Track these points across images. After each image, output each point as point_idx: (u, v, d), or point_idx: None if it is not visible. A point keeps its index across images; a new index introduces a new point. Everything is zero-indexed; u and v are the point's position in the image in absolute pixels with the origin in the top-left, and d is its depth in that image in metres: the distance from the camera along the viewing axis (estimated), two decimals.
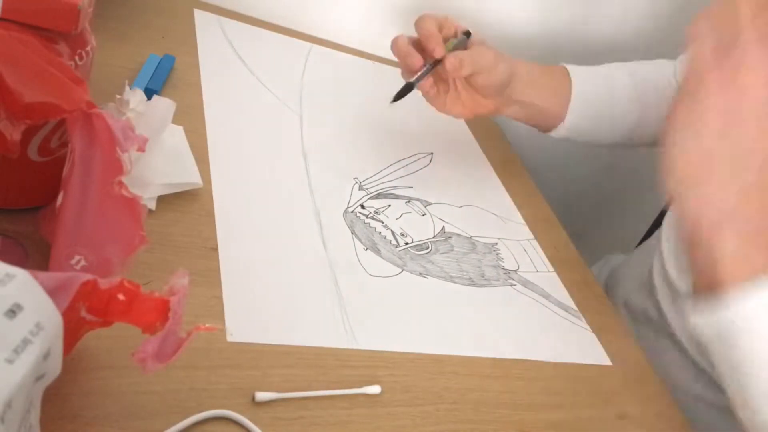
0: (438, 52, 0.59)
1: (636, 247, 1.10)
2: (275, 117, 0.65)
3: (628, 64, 0.76)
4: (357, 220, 0.59)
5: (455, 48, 0.61)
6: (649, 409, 0.56)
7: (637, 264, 0.79)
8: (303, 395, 0.41)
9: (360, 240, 0.57)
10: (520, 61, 0.67)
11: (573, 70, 0.72)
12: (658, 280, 0.71)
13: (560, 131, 0.72)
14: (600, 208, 1.29)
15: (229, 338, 0.42)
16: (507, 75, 0.63)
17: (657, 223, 1.09)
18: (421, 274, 0.57)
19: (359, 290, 0.52)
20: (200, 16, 0.74)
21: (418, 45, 0.61)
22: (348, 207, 0.60)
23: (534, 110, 0.69)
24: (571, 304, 0.63)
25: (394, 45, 0.61)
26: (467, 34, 0.63)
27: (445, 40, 0.61)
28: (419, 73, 0.60)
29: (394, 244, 0.58)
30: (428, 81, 0.61)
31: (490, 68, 0.62)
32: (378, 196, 0.63)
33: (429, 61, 0.60)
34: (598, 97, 0.73)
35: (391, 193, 0.64)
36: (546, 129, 0.73)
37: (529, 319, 0.58)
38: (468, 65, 0.59)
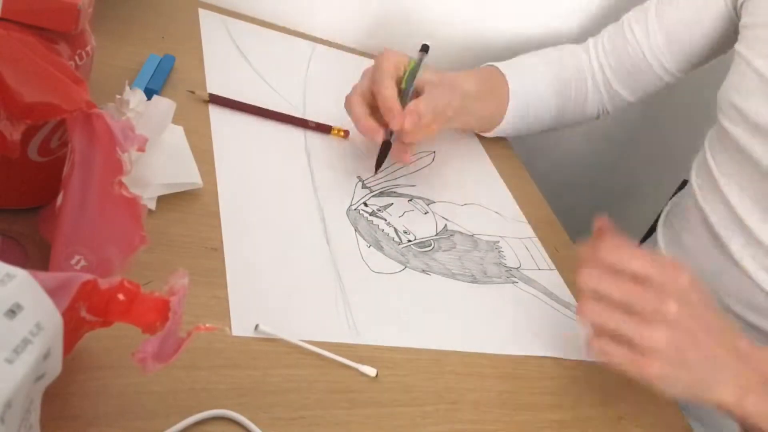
0: (395, 125, 0.58)
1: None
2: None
3: (548, 57, 0.80)
4: (360, 218, 0.59)
5: (411, 74, 0.61)
6: (649, 410, 0.56)
7: None
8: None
9: (363, 237, 0.57)
10: (461, 77, 0.69)
11: (508, 74, 0.75)
12: None
13: (493, 133, 0.79)
14: (600, 209, 1.29)
15: (234, 333, 0.42)
16: (457, 103, 0.65)
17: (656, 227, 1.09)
18: (423, 271, 0.57)
19: (362, 286, 0.52)
20: (205, 16, 0.74)
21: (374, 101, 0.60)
22: (351, 205, 0.60)
23: (475, 122, 0.75)
24: (572, 301, 0.63)
25: (350, 111, 0.61)
26: (425, 48, 0.64)
27: (399, 85, 0.61)
28: (391, 133, 0.60)
29: (396, 242, 0.58)
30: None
31: (445, 108, 0.63)
32: (381, 194, 0.63)
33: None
34: (529, 100, 0.77)
35: (394, 192, 0.64)
36: (480, 132, 0.79)
37: (530, 316, 0.58)
38: (426, 117, 0.60)
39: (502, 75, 0.75)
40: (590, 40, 0.82)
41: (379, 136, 0.59)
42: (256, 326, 0.43)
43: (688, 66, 0.77)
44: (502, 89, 0.75)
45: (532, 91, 0.77)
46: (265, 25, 0.80)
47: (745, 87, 0.65)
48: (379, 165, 0.61)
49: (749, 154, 0.64)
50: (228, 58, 0.70)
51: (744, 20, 0.69)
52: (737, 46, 0.69)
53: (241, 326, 0.43)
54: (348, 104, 0.61)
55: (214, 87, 0.63)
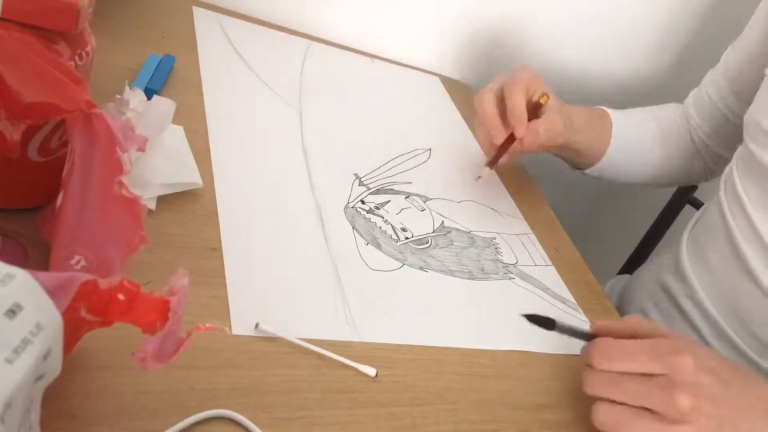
0: (519, 131, 0.63)
1: (635, 248, 1.11)
2: (275, 114, 0.66)
3: (652, 111, 0.82)
4: (357, 216, 0.59)
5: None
6: None
7: (648, 275, 0.80)
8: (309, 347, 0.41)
9: (361, 235, 0.57)
10: (573, 109, 0.72)
11: (613, 116, 0.78)
12: (671, 281, 0.73)
13: (593, 171, 0.79)
14: (600, 209, 1.29)
15: (234, 332, 0.42)
16: (567, 131, 0.68)
17: (656, 227, 1.09)
18: (421, 268, 0.57)
19: (361, 284, 0.52)
20: (199, 14, 0.74)
21: (500, 101, 0.65)
22: (348, 203, 0.60)
23: (576, 153, 0.76)
24: (569, 297, 0.63)
25: (480, 106, 0.65)
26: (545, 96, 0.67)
27: (528, 102, 0.65)
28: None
29: (394, 239, 0.59)
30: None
31: (558, 134, 0.67)
32: (378, 191, 0.63)
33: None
34: (631, 144, 0.79)
35: (391, 189, 0.64)
36: (580, 167, 0.79)
37: (527, 312, 0.58)
38: (543, 137, 0.64)
39: (608, 117, 0.78)
40: (689, 102, 0.82)
41: (501, 137, 0.64)
42: (257, 325, 0.43)
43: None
44: (605, 129, 0.77)
45: (635, 137, 0.79)
46: (259, 22, 0.80)
47: None
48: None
49: None
50: (223, 56, 0.70)
51: None
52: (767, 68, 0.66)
53: (241, 325, 0.43)
54: (479, 100, 0.66)
55: (209, 86, 0.63)
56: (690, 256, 0.71)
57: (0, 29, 0.34)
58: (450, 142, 0.78)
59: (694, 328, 0.69)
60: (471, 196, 0.70)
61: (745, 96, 0.73)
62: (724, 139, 0.79)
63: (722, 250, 0.66)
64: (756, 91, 0.68)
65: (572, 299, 0.63)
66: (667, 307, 0.73)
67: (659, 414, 0.44)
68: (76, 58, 0.39)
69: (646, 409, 0.45)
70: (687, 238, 0.74)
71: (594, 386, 0.47)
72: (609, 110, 0.78)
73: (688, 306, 0.70)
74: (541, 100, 0.66)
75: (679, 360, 0.45)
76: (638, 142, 0.79)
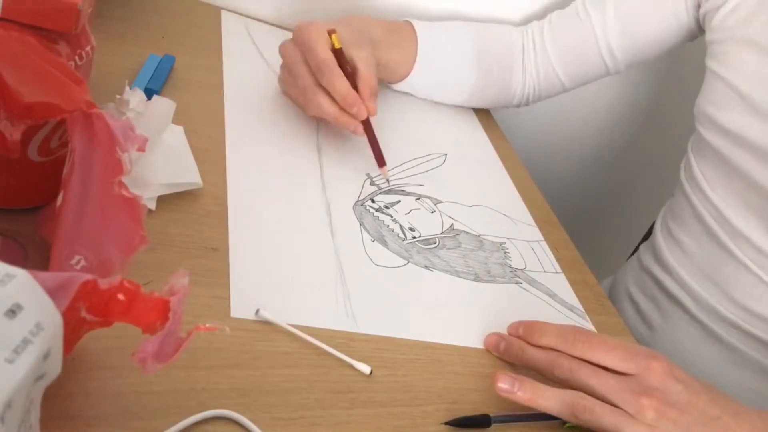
0: (362, 115, 0.60)
1: (635, 248, 1.11)
2: (293, 114, 0.66)
3: (474, 29, 0.79)
4: (366, 213, 0.59)
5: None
6: None
7: (631, 264, 0.84)
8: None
9: (368, 232, 0.57)
10: (371, 24, 0.69)
11: (420, 29, 0.74)
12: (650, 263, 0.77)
13: (401, 86, 0.77)
14: (600, 209, 1.29)
15: (233, 315, 0.43)
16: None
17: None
18: (426, 267, 0.57)
19: (364, 278, 0.52)
20: (227, 18, 0.76)
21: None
22: (358, 200, 0.60)
23: (381, 70, 0.70)
24: (577, 304, 0.63)
25: (327, 114, 0.60)
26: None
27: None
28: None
29: (401, 238, 0.59)
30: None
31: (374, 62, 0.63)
32: (389, 191, 0.63)
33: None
34: (440, 62, 0.76)
35: (402, 190, 0.64)
36: (388, 82, 0.77)
37: (532, 316, 0.58)
38: (376, 86, 0.62)
39: (413, 29, 0.74)
40: (534, 21, 0.82)
41: (360, 129, 0.60)
42: (257, 311, 0.44)
43: (633, 60, 0.78)
44: (410, 41, 0.73)
45: (445, 50, 0.76)
46: (282, 27, 0.81)
47: (720, 100, 0.67)
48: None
49: (731, 163, 0.66)
50: (247, 60, 0.71)
51: (709, 36, 0.70)
52: (707, 61, 0.70)
53: (241, 311, 0.44)
54: (317, 106, 0.60)
55: (230, 86, 0.64)
56: (666, 239, 0.76)
57: (0, 29, 0.34)
58: (467, 149, 0.78)
59: (679, 305, 0.73)
60: (484, 201, 0.70)
61: (631, 50, 0.77)
62: (578, 66, 0.79)
63: (693, 230, 0.72)
64: (644, 46, 0.76)
65: (580, 307, 0.63)
66: (651, 290, 0.77)
67: (622, 410, 0.45)
68: (76, 58, 0.39)
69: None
70: (660, 222, 0.79)
71: (568, 371, 0.47)
72: (415, 23, 0.74)
73: (670, 285, 0.74)
74: (336, 44, 0.59)
75: (652, 363, 0.46)
76: (450, 62, 0.77)
